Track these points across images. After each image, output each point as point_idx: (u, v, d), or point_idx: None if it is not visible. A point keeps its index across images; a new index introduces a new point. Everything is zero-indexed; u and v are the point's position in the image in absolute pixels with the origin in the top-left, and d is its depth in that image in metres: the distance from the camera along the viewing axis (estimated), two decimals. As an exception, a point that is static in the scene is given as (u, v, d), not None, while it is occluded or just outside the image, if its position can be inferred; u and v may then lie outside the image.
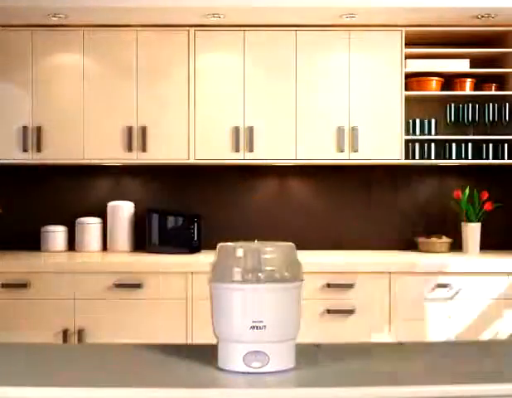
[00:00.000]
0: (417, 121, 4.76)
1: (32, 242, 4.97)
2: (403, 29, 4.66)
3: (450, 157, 4.76)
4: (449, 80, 4.82)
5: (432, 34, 4.76)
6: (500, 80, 4.85)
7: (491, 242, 4.91)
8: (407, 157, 4.74)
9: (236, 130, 4.69)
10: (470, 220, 4.82)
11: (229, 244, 2.11)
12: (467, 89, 4.76)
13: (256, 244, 2.07)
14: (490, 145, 4.76)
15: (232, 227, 5.02)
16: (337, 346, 2.41)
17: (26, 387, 1.91)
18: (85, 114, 4.65)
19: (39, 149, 4.68)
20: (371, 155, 4.64)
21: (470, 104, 4.76)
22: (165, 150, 4.67)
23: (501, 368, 2.10)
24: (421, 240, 4.87)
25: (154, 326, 4.33)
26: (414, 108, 4.85)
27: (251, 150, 4.68)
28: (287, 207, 5.02)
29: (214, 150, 4.70)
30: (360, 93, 4.66)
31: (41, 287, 4.34)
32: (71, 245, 4.96)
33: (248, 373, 1.97)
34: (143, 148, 4.65)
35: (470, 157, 4.76)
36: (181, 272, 4.32)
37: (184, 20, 4.59)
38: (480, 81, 4.81)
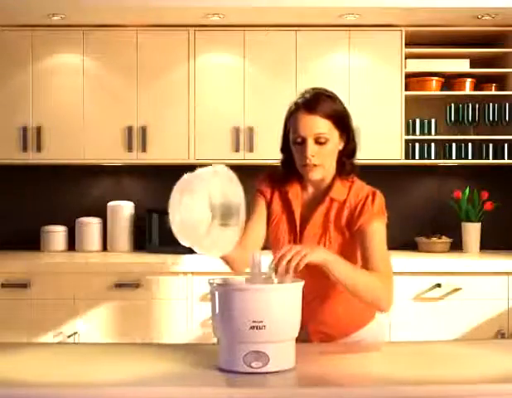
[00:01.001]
0: (417, 121, 4.76)
1: (32, 242, 4.96)
2: (403, 29, 4.65)
3: (450, 157, 4.76)
4: (449, 80, 4.82)
5: (432, 34, 4.75)
6: (500, 80, 4.84)
7: (491, 242, 4.91)
8: (407, 157, 4.73)
9: (236, 130, 4.68)
10: (471, 220, 4.81)
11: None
12: (467, 89, 4.75)
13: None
14: (490, 145, 4.76)
15: (232, 227, 5.01)
16: (337, 346, 2.41)
17: (27, 387, 1.91)
18: (85, 114, 4.65)
19: (39, 149, 4.68)
20: (371, 155, 4.63)
21: (470, 104, 4.76)
22: (165, 150, 4.67)
23: (502, 368, 2.10)
24: (421, 240, 4.87)
25: (154, 326, 4.32)
26: (414, 108, 4.84)
27: (251, 150, 4.68)
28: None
29: (215, 150, 4.69)
30: (360, 93, 4.65)
31: (41, 287, 4.33)
32: (71, 245, 4.95)
33: (249, 373, 1.97)
34: (143, 148, 4.65)
35: (470, 158, 4.75)
36: (181, 272, 4.31)
37: (184, 20, 4.59)
38: (480, 81, 4.80)
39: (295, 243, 2.43)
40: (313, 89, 2.47)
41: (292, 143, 2.44)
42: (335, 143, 2.43)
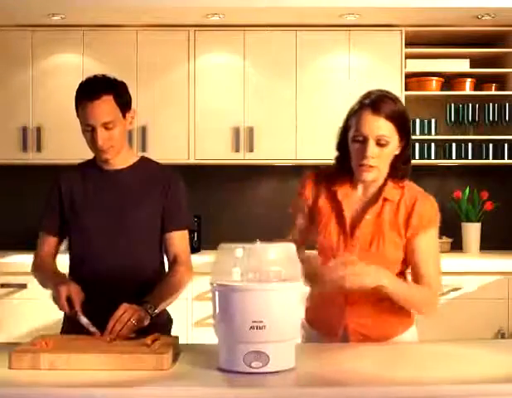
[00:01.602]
0: (417, 121, 4.76)
1: (32, 242, 4.94)
2: (403, 29, 4.65)
3: (450, 157, 4.76)
4: (449, 80, 4.82)
5: (432, 34, 4.75)
6: (500, 80, 4.84)
7: (491, 242, 4.90)
8: (407, 157, 4.73)
9: (236, 130, 4.68)
10: (471, 220, 4.81)
11: (229, 244, 2.11)
12: (467, 89, 4.75)
13: (257, 244, 2.07)
14: (491, 145, 4.76)
15: (232, 227, 5.01)
16: (337, 346, 2.41)
17: (25, 387, 1.91)
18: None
19: (39, 149, 4.68)
20: (371, 155, 4.63)
21: (470, 104, 4.76)
22: (165, 150, 4.66)
23: (502, 368, 2.10)
24: (421, 240, 4.86)
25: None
26: (414, 108, 4.84)
27: (251, 150, 4.68)
28: (287, 207, 5.00)
29: (215, 150, 4.69)
30: (360, 93, 4.63)
31: (41, 287, 4.32)
32: (71, 245, 4.94)
33: (249, 373, 1.97)
34: (143, 148, 4.65)
35: (470, 157, 4.75)
36: (181, 272, 4.31)
37: (184, 20, 4.59)
38: (480, 81, 4.80)
39: (345, 243, 2.42)
40: (378, 90, 2.46)
41: (351, 140, 2.42)
42: (394, 146, 2.41)
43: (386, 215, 2.44)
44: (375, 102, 2.39)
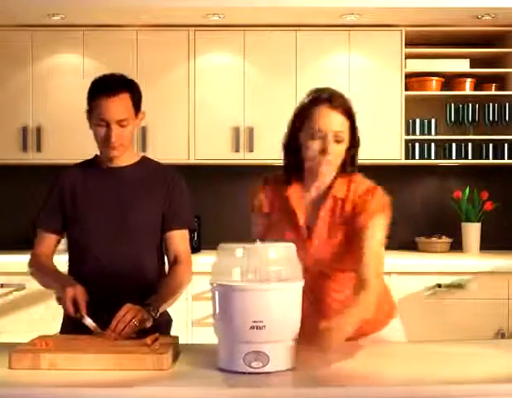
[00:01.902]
0: (417, 121, 4.76)
1: (32, 242, 4.95)
2: (403, 29, 4.65)
3: (450, 157, 4.76)
4: (449, 80, 4.82)
5: (432, 34, 4.75)
6: (500, 80, 4.84)
7: (491, 242, 4.90)
8: (407, 157, 4.73)
9: (236, 130, 4.68)
10: (470, 220, 4.81)
11: (230, 244, 2.11)
12: (467, 89, 4.75)
13: (257, 244, 2.08)
14: (490, 145, 4.76)
15: (232, 227, 5.00)
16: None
17: (27, 387, 1.91)
18: (85, 114, 4.64)
19: (39, 149, 4.68)
20: (371, 155, 4.62)
21: (470, 104, 4.76)
22: (165, 150, 4.66)
23: (502, 368, 2.10)
24: (421, 240, 4.87)
25: (154, 326, 4.32)
26: (414, 108, 4.84)
27: (251, 150, 4.68)
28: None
29: (214, 150, 4.69)
30: (360, 93, 4.65)
31: (40, 287, 4.32)
32: (71, 245, 4.94)
33: (248, 373, 1.97)
34: (143, 148, 4.64)
35: (470, 158, 4.76)
36: (181, 272, 4.31)
37: (184, 20, 4.59)
38: (480, 81, 4.80)
39: (305, 245, 2.38)
40: (326, 87, 2.41)
41: (307, 137, 2.38)
42: (346, 144, 2.39)
43: (338, 212, 2.40)
44: (332, 96, 2.35)
